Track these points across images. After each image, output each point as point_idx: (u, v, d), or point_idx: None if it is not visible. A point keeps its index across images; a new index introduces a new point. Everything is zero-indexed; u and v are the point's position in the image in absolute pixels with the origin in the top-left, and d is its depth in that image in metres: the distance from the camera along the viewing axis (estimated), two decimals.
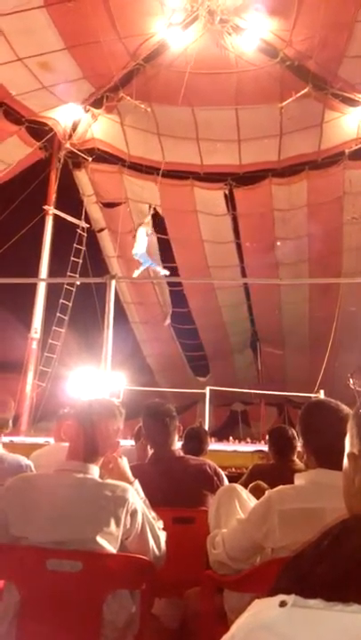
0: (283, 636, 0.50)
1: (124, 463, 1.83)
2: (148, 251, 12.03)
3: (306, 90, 10.75)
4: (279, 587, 0.55)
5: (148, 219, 12.36)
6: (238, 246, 14.00)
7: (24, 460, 2.51)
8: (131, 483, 1.76)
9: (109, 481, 1.69)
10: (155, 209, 13.57)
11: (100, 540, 1.56)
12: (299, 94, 10.81)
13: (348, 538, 0.58)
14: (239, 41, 10.51)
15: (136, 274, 11.84)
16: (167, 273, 12.23)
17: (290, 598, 0.53)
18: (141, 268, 11.73)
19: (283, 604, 0.53)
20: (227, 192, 13.10)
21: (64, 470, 1.71)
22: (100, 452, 1.75)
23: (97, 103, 11.73)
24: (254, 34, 10.27)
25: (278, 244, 13.49)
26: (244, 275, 14.35)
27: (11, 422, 2.67)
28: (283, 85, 11.06)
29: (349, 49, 9.85)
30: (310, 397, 9.34)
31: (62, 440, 2.98)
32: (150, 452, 2.59)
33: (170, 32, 10.30)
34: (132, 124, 12.58)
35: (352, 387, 9.72)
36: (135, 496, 1.68)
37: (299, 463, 2.99)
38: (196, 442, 3.19)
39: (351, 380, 9.85)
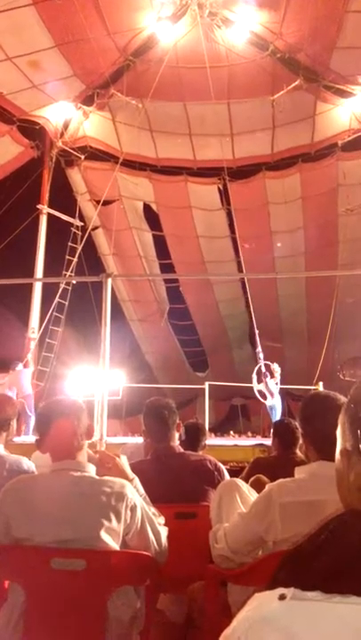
0: (283, 628, 0.51)
1: (123, 461, 1.84)
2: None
3: (297, 82, 10.71)
4: (278, 580, 0.56)
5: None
6: (234, 241, 13.97)
7: (26, 462, 2.51)
8: (130, 480, 1.77)
9: (107, 477, 1.70)
10: (149, 206, 13.52)
11: (103, 535, 1.57)
12: (290, 87, 10.76)
13: (344, 531, 0.58)
14: (229, 34, 10.45)
15: None
16: None
17: (289, 591, 0.54)
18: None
19: (282, 597, 0.53)
20: (221, 186, 13.07)
21: (61, 470, 1.72)
22: (82, 442, 1.76)
23: (88, 100, 11.65)
24: (244, 26, 10.21)
25: (274, 237, 13.46)
26: (240, 269, 14.33)
27: (13, 423, 2.62)
28: (274, 78, 11.01)
29: (340, 40, 9.79)
30: (310, 390, 9.38)
31: None
32: None
33: (159, 26, 10.21)
34: (123, 121, 12.51)
35: (342, 378, 9.72)
36: (134, 492, 1.69)
37: (301, 455, 3.00)
38: (193, 437, 3.20)
39: (342, 373, 9.86)
